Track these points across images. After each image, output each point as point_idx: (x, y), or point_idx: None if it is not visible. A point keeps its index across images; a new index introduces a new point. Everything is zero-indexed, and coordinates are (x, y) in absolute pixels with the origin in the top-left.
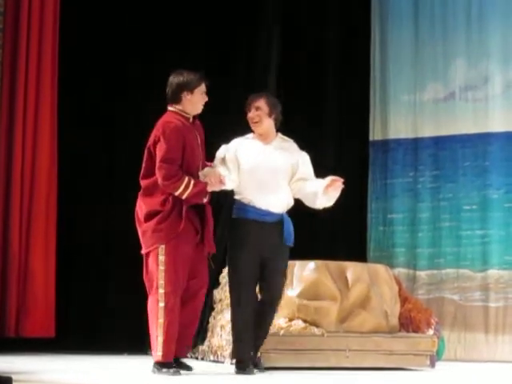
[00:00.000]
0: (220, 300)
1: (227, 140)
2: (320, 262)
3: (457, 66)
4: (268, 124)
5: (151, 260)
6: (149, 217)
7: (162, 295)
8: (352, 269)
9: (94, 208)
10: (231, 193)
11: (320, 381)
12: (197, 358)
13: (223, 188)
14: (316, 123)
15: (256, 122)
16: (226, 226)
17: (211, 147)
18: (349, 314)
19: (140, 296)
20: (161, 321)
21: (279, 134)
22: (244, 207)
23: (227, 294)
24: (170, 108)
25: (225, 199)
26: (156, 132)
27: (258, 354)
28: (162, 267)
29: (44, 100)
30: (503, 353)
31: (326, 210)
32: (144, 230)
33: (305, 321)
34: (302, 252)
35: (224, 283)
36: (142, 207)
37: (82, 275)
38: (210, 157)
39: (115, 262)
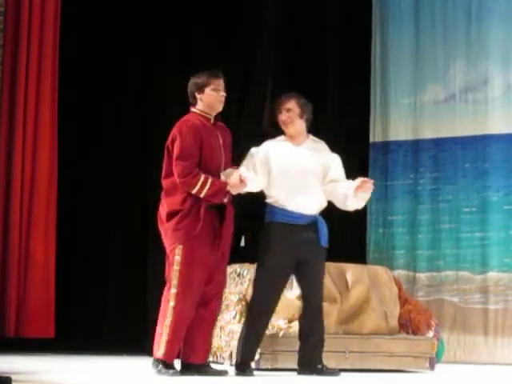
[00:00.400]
0: None
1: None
2: None
3: (457, 67)
4: (299, 125)
5: (170, 259)
6: (170, 216)
7: (174, 295)
8: (352, 270)
9: (94, 207)
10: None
11: (319, 382)
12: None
13: (245, 190)
14: (316, 125)
15: (287, 124)
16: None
17: None
18: (348, 316)
19: (141, 296)
20: (168, 320)
21: (310, 136)
22: (276, 210)
23: (227, 295)
24: (191, 109)
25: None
26: (174, 131)
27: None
28: (176, 267)
29: (44, 100)
30: (503, 355)
31: (325, 212)
32: (165, 230)
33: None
34: None
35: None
36: (164, 207)
37: (82, 275)
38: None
39: (116, 263)
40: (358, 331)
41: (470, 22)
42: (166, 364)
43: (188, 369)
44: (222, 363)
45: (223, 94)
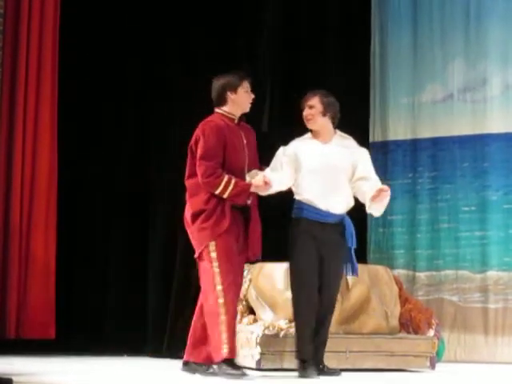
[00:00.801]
0: None
1: None
2: None
3: (455, 67)
4: (322, 122)
5: (204, 260)
6: (195, 217)
7: (221, 291)
8: None
9: (94, 207)
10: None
11: (320, 382)
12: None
13: (271, 191)
14: None
15: (309, 120)
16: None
17: None
18: (349, 316)
19: (142, 296)
20: (223, 318)
21: (338, 132)
22: (305, 207)
23: None
24: (216, 110)
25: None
26: (197, 131)
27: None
28: (215, 263)
29: (44, 100)
30: (503, 354)
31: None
32: (192, 232)
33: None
34: None
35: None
36: (188, 209)
37: (82, 275)
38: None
39: (116, 263)
40: (358, 331)
41: (469, 21)
42: (231, 363)
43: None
44: None
45: (253, 96)
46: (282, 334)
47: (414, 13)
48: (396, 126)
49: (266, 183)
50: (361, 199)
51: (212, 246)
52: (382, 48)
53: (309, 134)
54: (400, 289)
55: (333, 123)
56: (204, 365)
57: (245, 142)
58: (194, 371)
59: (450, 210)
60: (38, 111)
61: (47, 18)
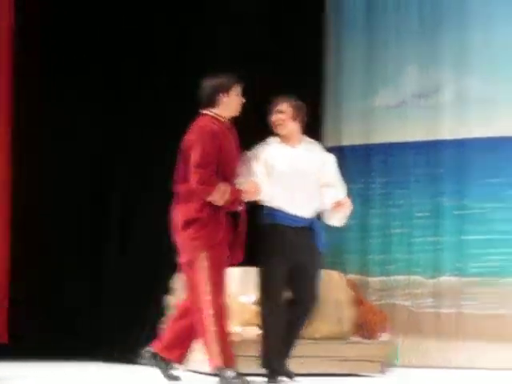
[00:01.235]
0: (172, 306)
1: None
2: None
3: (409, 73)
4: (292, 127)
5: (194, 269)
6: (187, 225)
7: (210, 302)
8: None
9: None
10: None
11: None
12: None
13: (259, 198)
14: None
15: (279, 125)
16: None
17: None
18: None
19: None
20: (213, 329)
21: (304, 137)
22: (274, 213)
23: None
24: (204, 111)
25: None
26: (191, 136)
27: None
28: (205, 273)
29: None
30: (456, 359)
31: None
32: (183, 239)
33: (260, 327)
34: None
35: (177, 289)
36: (178, 215)
37: (36, 275)
38: None
39: (70, 264)
40: (311, 336)
41: (423, 27)
42: (231, 370)
43: None
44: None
45: (243, 100)
46: (238, 338)
47: (368, 18)
48: (349, 131)
49: (257, 191)
50: (322, 208)
51: (203, 256)
52: (336, 53)
53: (276, 138)
54: (355, 291)
55: (301, 127)
56: (171, 363)
57: (234, 145)
58: (155, 365)
59: (403, 215)
60: None
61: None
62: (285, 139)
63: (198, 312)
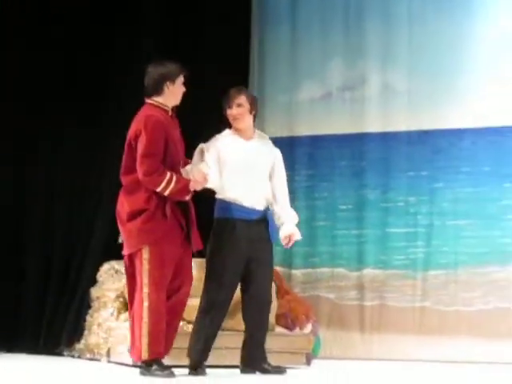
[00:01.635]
0: (97, 298)
1: None
2: (200, 260)
3: (334, 65)
4: (249, 120)
5: (136, 260)
6: (133, 216)
7: (147, 294)
8: None
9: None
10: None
11: (196, 380)
12: (73, 356)
13: (206, 186)
14: (195, 123)
15: (237, 119)
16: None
17: None
18: None
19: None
20: (145, 320)
21: (256, 130)
22: (228, 206)
23: (105, 292)
24: (148, 101)
25: None
26: (137, 126)
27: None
28: (146, 266)
29: None
30: (379, 351)
31: (204, 205)
32: (129, 230)
33: (183, 319)
34: None
35: (101, 282)
36: (124, 206)
37: None
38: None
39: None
40: (234, 328)
41: (348, 20)
42: (157, 364)
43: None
44: (99, 360)
45: (184, 89)
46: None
47: (293, 9)
48: (273, 123)
49: (205, 179)
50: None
51: (146, 249)
52: (261, 45)
53: (230, 131)
54: (280, 282)
55: (254, 120)
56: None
57: (178, 134)
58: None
59: (328, 207)
60: None
61: None
62: (239, 132)
63: (136, 301)
